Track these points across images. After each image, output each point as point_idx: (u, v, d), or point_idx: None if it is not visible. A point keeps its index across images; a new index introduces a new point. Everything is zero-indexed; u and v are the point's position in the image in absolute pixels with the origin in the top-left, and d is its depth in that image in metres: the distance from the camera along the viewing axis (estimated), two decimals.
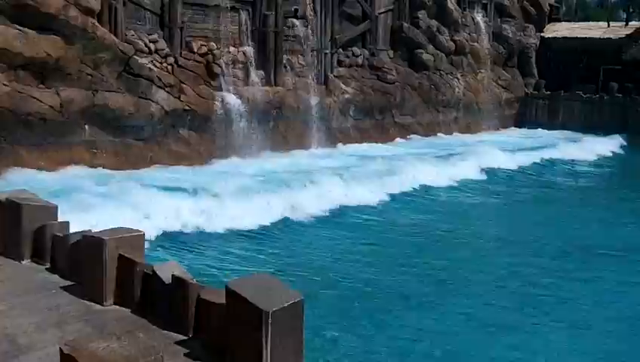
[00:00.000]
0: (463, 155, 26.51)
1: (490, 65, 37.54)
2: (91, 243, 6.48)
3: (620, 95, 37.66)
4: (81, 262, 6.67)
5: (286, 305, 4.92)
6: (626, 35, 40.45)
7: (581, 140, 33.12)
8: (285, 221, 16.93)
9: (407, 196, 20.85)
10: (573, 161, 29.76)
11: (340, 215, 17.99)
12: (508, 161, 27.09)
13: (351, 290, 12.10)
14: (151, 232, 13.88)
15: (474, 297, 11.91)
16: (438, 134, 33.73)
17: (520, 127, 38.24)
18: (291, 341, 4.96)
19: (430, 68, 33.58)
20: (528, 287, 12.65)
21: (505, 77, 38.63)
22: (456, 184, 23.05)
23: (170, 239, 14.78)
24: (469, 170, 24.76)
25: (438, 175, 23.23)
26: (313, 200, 18.24)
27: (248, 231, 15.94)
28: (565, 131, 36.13)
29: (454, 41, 35.13)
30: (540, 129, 37.36)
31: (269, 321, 4.77)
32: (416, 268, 13.57)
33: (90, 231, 6.94)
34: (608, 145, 33.23)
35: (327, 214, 17.80)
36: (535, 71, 40.07)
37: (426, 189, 21.90)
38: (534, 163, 28.06)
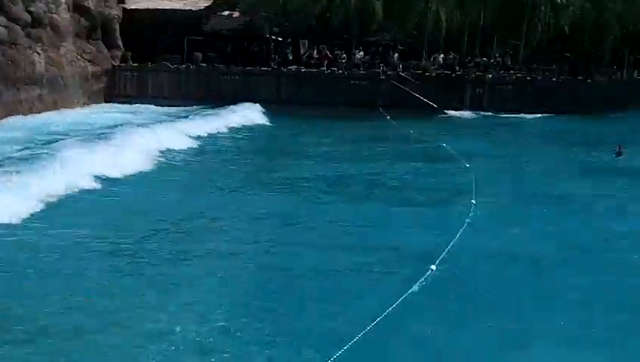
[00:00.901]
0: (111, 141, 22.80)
1: (73, 38, 35.77)
2: None
3: (205, 64, 39.57)
4: None
5: None
6: (205, 6, 42.51)
7: (222, 112, 32.81)
8: None
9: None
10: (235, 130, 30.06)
11: None
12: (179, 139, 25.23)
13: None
14: None
15: None
16: (28, 114, 30.94)
17: (110, 102, 37.13)
18: None
19: (5, 42, 30.55)
20: None
21: (89, 50, 37.15)
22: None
23: None
24: (138, 157, 21.03)
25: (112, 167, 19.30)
26: None
27: None
28: (158, 107, 35.58)
29: (30, 13, 32.50)
30: (130, 104, 36.34)
31: None
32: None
33: None
34: (252, 114, 34.08)
35: None
36: (120, 43, 39.33)
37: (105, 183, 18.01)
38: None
